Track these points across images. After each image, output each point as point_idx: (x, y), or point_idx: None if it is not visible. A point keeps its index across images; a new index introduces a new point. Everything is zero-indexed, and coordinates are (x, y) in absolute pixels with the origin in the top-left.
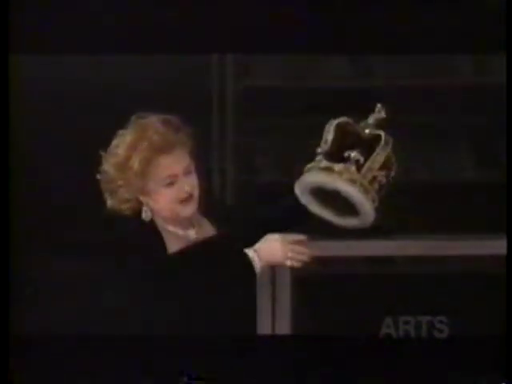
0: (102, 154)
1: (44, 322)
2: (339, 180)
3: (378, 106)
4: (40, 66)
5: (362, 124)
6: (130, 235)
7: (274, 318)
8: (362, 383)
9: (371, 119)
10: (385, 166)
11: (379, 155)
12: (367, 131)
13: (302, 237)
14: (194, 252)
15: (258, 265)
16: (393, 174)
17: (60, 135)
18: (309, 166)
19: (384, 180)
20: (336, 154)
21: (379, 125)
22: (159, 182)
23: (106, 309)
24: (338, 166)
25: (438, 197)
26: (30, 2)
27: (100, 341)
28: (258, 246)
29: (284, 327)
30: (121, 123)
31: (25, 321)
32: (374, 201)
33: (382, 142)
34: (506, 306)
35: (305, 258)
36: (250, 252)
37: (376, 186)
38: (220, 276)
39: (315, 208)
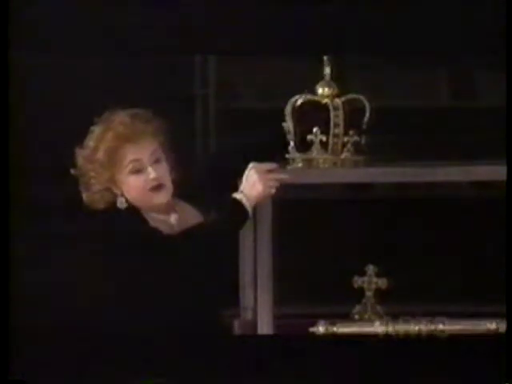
0: (76, 150)
1: (44, 316)
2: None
3: (325, 59)
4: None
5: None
6: (121, 225)
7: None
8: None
9: (326, 75)
10: (349, 128)
11: (336, 127)
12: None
13: (273, 165)
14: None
15: (247, 204)
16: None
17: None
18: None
19: (355, 138)
20: (301, 141)
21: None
22: (124, 170)
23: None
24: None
25: (414, 123)
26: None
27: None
28: (242, 187)
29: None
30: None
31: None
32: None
33: (331, 112)
34: (506, 305)
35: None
36: (238, 195)
37: (349, 146)
38: (217, 230)
39: None
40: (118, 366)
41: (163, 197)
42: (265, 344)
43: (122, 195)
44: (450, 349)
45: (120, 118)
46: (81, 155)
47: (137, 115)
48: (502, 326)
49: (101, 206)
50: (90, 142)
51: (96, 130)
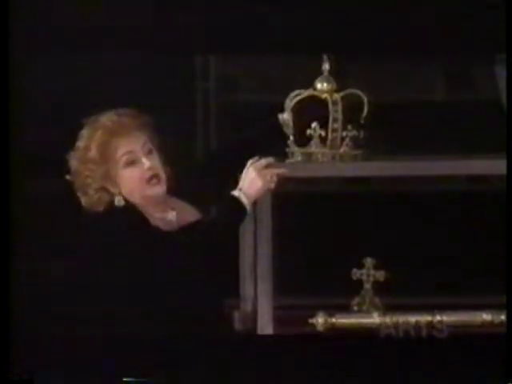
0: (69, 154)
1: (44, 316)
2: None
3: (324, 57)
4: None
5: (318, 81)
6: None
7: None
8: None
9: (325, 71)
10: (347, 123)
11: (335, 122)
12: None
13: (271, 160)
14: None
15: (246, 202)
16: (363, 115)
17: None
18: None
19: (353, 132)
20: (300, 135)
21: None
22: (118, 164)
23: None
24: (310, 149)
25: (412, 118)
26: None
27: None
28: (240, 185)
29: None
30: None
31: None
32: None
33: (330, 107)
34: (506, 305)
35: (285, 174)
36: (236, 193)
37: (347, 141)
38: (216, 227)
39: None
40: (118, 365)
41: (159, 189)
42: (265, 342)
43: (120, 193)
44: (449, 340)
45: (107, 117)
46: (73, 158)
47: (123, 113)
48: (498, 318)
49: (100, 208)
50: (81, 143)
51: (85, 131)
